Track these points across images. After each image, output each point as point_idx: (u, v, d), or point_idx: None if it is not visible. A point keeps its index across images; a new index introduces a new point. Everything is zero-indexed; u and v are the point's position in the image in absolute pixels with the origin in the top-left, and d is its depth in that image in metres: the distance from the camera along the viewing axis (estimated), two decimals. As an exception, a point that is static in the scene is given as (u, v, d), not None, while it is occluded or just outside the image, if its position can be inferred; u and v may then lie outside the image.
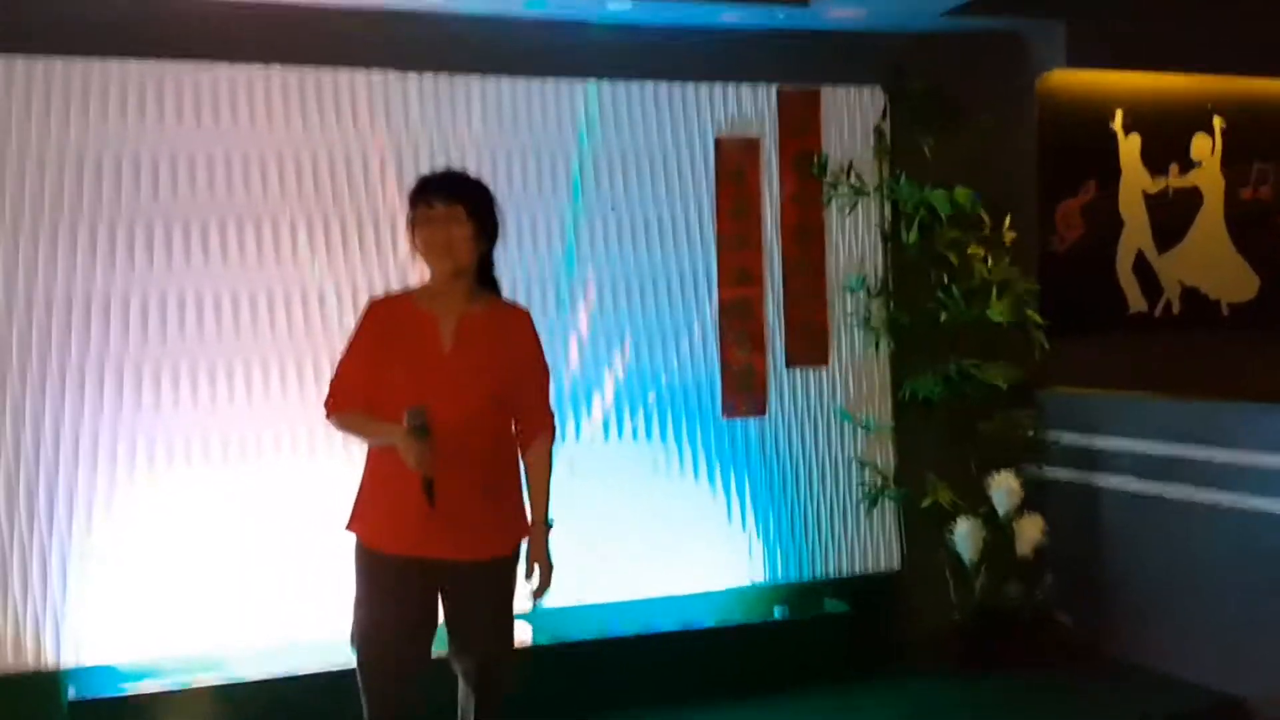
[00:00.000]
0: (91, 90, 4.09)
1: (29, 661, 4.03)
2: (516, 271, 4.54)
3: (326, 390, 3.21)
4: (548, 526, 3.27)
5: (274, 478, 4.26)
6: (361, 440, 3.20)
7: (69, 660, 4.06)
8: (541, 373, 3.30)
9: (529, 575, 3.25)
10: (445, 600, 3.17)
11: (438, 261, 3.12)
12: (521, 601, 3.27)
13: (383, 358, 3.10)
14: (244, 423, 4.23)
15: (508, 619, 3.25)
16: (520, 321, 3.27)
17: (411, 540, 3.07)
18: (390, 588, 3.09)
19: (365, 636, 3.12)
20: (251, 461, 4.24)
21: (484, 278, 3.22)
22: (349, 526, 3.18)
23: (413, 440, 2.94)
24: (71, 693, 4.01)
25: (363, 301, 4.17)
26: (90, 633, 4.08)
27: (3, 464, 4.00)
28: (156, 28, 4.15)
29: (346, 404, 3.17)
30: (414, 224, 3.14)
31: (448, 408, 3.01)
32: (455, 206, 3.09)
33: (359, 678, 3.15)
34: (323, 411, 3.21)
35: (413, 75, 4.45)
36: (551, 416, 3.33)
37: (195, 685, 4.09)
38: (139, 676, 4.11)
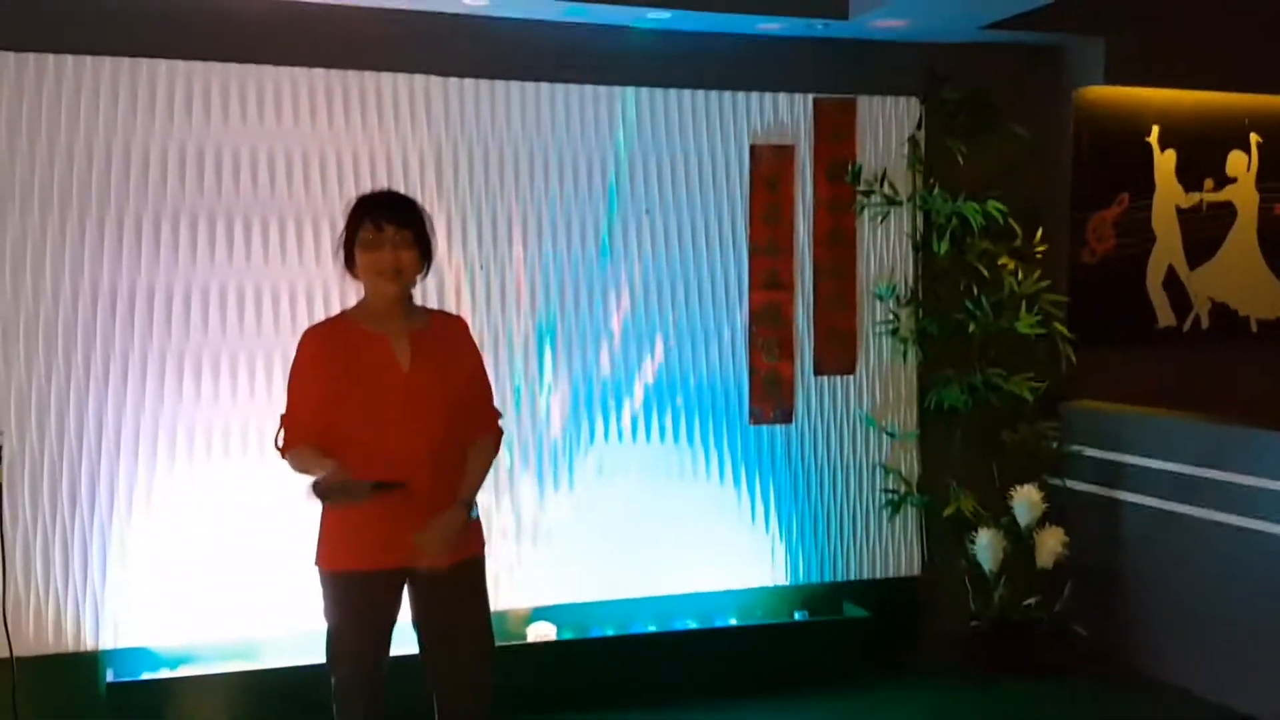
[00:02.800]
0: (140, 87, 4.18)
1: (69, 643, 4.14)
2: (551, 274, 4.64)
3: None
4: (466, 507, 3.12)
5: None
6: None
7: (108, 643, 4.18)
8: (485, 376, 3.29)
9: (422, 535, 3.01)
10: (415, 610, 3.17)
11: (384, 285, 3.08)
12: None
13: (337, 385, 3.03)
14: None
15: (482, 622, 3.22)
16: (462, 328, 3.27)
17: (375, 553, 3.05)
18: (359, 605, 3.09)
19: (340, 654, 3.14)
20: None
21: None
22: (317, 563, 3.13)
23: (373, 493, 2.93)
24: (110, 674, 4.13)
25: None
26: (129, 617, 4.19)
27: (45, 451, 4.11)
28: (208, 28, 4.23)
29: (300, 439, 3.05)
30: (355, 245, 3.08)
31: (412, 424, 3.02)
32: (405, 231, 3.07)
33: (336, 692, 3.16)
34: (277, 451, 3.09)
35: (453, 79, 4.51)
36: (497, 417, 3.31)
37: (231, 670, 4.20)
38: (176, 661, 4.23)
